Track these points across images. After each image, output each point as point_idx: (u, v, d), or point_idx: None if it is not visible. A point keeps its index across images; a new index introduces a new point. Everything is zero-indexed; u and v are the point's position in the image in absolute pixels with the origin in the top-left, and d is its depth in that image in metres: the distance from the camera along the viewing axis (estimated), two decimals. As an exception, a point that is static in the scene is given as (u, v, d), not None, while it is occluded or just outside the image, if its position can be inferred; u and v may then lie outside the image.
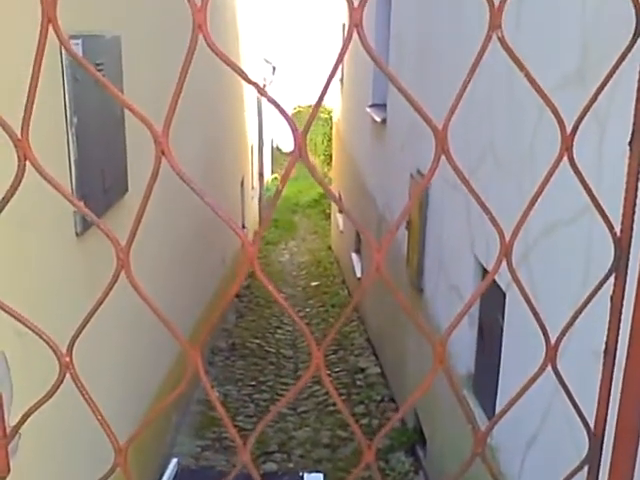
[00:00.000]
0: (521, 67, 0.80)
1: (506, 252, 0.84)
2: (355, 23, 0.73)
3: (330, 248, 12.46)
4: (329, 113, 19.55)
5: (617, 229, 0.85)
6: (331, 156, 15.79)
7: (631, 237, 0.85)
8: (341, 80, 10.81)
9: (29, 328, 0.76)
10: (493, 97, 2.87)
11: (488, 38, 0.77)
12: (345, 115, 10.95)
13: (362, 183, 8.39)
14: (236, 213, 9.76)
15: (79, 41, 2.29)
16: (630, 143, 0.83)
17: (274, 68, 21.25)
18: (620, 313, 0.87)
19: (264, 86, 16.37)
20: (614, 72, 0.80)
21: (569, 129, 0.82)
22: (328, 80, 0.72)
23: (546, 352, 0.87)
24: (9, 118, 0.73)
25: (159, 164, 0.73)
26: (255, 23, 13.35)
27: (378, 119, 6.68)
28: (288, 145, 25.08)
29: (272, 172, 21.47)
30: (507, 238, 0.85)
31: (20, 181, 0.72)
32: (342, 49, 0.74)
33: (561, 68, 2.02)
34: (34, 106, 0.72)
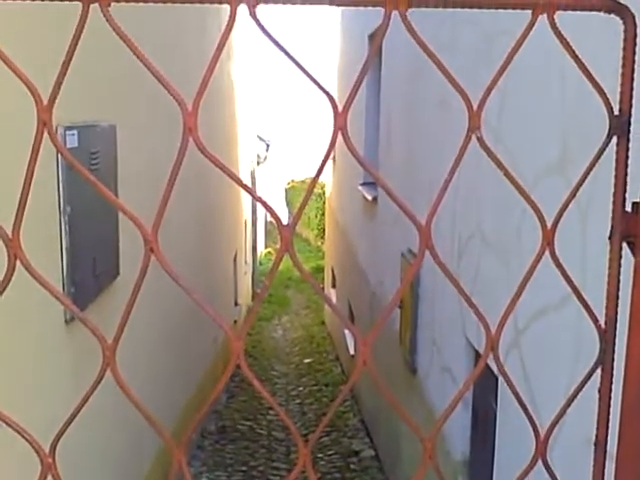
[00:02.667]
0: (500, 166, 0.82)
1: (492, 345, 0.85)
2: (339, 127, 0.76)
3: (323, 323, 12.37)
4: (322, 188, 19.83)
5: (602, 321, 0.86)
6: (324, 230, 15.93)
7: (615, 329, 0.85)
8: (333, 158, 11.05)
9: (11, 427, 0.75)
10: (480, 178, 2.94)
11: (467, 139, 0.80)
12: (337, 191, 11.13)
13: (355, 258, 8.44)
14: (229, 289, 9.72)
15: (75, 132, 2.35)
16: (610, 237, 0.85)
17: (268, 145, 21.71)
18: (609, 406, 0.86)
19: (258, 163, 16.69)
20: (590, 171, 0.83)
21: (550, 224, 0.84)
22: (312, 184, 0.75)
23: (536, 446, 0.87)
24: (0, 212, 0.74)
25: (148, 262, 0.74)
26: (251, 101, 13.76)
27: (369, 197, 6.78)
28: (282, 218, 25.27)
29: (265, 246, 21.58)
30: (493, 330, 0.85)
31: (10, 280, 0.73)
32: (327, 152, 0.77)
33: (544, 157, 2.08)
34: (26, 205, 0.74)
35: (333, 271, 11.43)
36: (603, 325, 0.86)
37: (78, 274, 2.42)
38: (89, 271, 2.58)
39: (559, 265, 0.84)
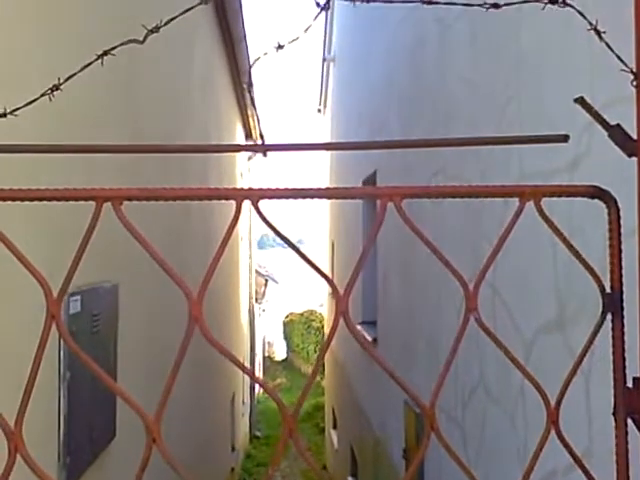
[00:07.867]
0: (500, 346, 0.84)
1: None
2: (342, 311, 0.78)
3: (325, 467, 11.82)
4: (321, 322, 19.62)
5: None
6: (324, 365, 15.63)
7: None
8: (331, 294, 11.10)
9: None
10: (481, 333, 2.91)
11: (466, 320, 0.81)
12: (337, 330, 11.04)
13: (356, 398, 8.21)
14: (225, 434, 9.38)
15: (78, 297, 2.39)
16: (614, 413, 0.83)
17: (266, 280, 21.88)
18: None
19: (256, 300, 16.75)
20: (588, 348, 0.84)
21: (553, 402, 0.84)
22: (312, 377, 0.76)
23: None
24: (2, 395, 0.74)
25: (149, 453, 0.73)
26: (251, 241, 14.08)
27: (369, 338, 6.68)
28: (280, 354, 24.96)
29: (264, 383, 21.05)
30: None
31: (9, 473, 0.71)
32: (329, 338, 0.78)
33: (542, 314, 2.09)
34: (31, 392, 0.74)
35: (334, 411, 11.10)
36: (615, 508, 0.83)
37: (74, 442, 2.34)
38: (86, 436, 2.50)
39: (566, 445, 0.83)
